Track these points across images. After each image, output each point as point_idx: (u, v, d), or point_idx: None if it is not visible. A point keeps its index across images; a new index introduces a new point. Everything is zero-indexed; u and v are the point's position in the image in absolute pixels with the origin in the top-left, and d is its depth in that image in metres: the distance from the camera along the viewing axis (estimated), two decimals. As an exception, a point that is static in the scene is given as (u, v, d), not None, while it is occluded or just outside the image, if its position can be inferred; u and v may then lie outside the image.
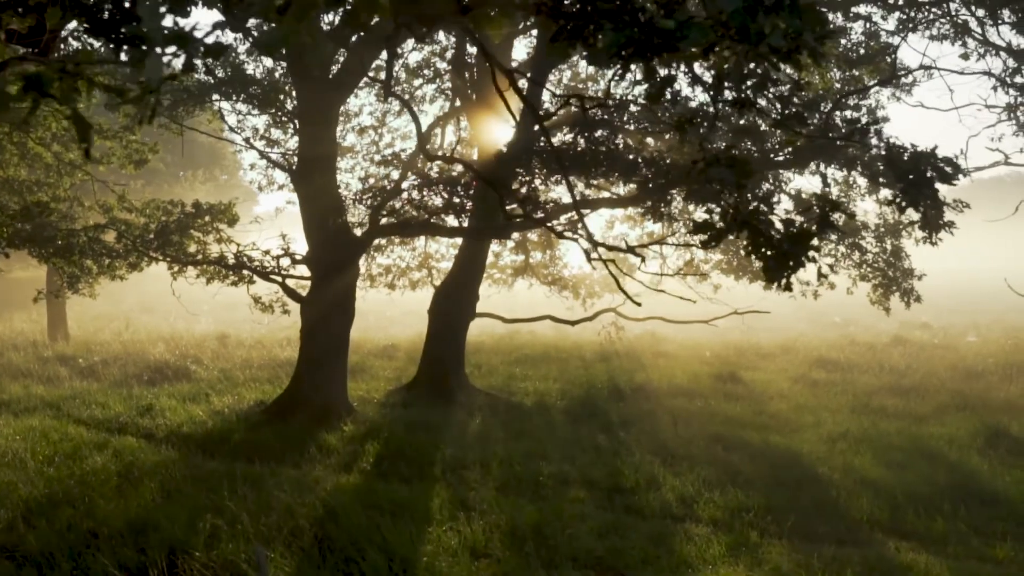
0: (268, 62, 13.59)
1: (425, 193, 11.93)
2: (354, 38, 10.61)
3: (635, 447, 11.18)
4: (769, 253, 3.30)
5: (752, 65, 3.98)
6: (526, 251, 20.42)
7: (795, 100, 8.41)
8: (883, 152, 6.56)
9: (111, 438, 11.39)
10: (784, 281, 3.41)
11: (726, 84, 4.25)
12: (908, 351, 20.44)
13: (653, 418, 13.01)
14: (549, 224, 10.55)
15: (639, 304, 7.09)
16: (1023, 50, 12.29)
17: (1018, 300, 20.88)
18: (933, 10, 12.50)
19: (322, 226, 12.58)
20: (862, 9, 14.77)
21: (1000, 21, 11.70)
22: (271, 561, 6.45)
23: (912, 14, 14.01)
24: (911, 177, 4.02)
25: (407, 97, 19.01)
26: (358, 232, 13.06)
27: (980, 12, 11.84)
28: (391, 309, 32.08)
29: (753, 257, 3.44)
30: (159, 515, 7.42)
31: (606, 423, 12.82)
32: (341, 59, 12.33)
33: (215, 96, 13.74)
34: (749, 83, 4.13)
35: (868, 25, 15.15)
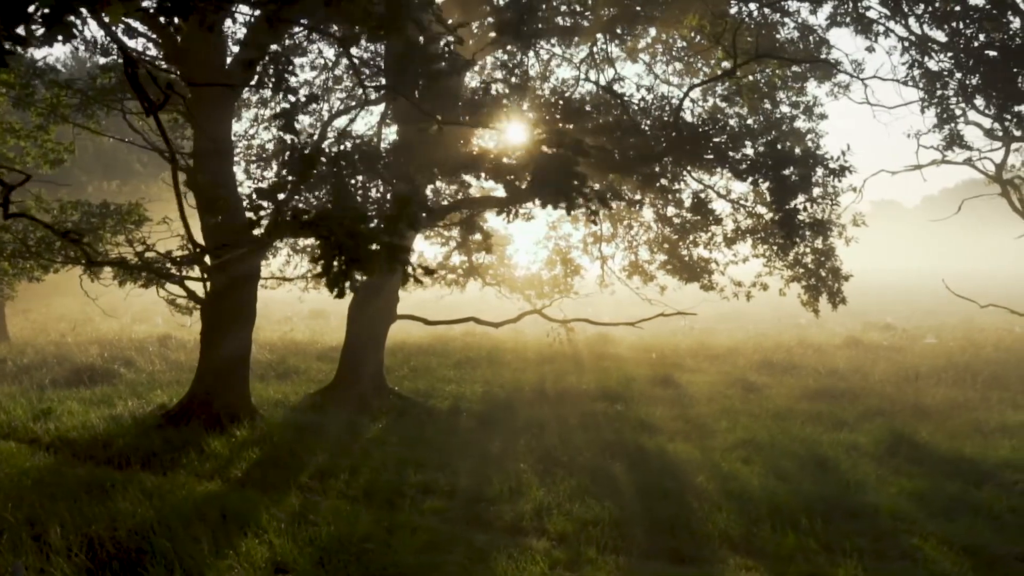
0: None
1: (318, 193, 11.63)
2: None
3: (523, 454, 10.81)
4: (332, 255, 2.96)
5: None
6: (469, 252, 20.07)
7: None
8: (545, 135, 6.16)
9: (-8, 444, 11.15)
10: (339, 287, 3.07)
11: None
12: (856, 353, 19.91)
13: (557, 424, 12.64)
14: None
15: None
16: (941, 42, 11.83)
17: (993, 301, 20.40)
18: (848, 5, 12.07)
19: (217, 226, 12.28)
20: (791, 4, 14.41)
21: (909, 12, 11.25)
22: (46, 574, 6.18)
23: (839, 7, 13.62)
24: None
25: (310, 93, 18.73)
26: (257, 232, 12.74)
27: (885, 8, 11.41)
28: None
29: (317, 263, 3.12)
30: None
31: (510, 428, 12.45)
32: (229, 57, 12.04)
33: (119, 96, 13.49)
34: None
35: (799, 19, 14.77)
